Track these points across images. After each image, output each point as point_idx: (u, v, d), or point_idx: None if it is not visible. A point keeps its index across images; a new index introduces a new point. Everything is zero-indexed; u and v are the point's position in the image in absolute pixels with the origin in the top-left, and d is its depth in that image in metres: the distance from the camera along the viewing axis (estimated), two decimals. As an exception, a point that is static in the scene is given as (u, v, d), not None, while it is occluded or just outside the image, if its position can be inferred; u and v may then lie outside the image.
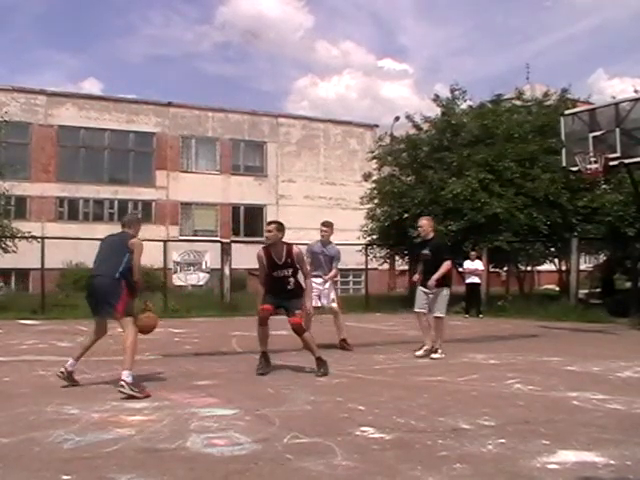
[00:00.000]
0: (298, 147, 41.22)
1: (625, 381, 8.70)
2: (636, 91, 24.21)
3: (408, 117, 27.20)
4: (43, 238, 22.21)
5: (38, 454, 5.08)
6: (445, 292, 11.31)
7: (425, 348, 11.30)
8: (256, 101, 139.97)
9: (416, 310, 11.46)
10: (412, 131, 27.21)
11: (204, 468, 4.74)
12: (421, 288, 11.40)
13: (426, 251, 11.46)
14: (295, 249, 9.40)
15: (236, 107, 40.94)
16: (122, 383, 7.35)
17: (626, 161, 16.03)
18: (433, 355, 11.05)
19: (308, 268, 9.36)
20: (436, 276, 10.99)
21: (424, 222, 11.76)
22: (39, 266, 21.32)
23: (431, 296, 11.27)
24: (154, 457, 5.00)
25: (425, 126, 26.88)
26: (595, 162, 16.04)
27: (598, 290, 23.97)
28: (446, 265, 11.19)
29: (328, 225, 12.47)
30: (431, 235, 11.62)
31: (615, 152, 15.76)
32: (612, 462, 4.89)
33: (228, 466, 4.78)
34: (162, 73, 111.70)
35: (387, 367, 9.99)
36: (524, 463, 4.88)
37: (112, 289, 7.82)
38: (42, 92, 36.09)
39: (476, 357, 11.13)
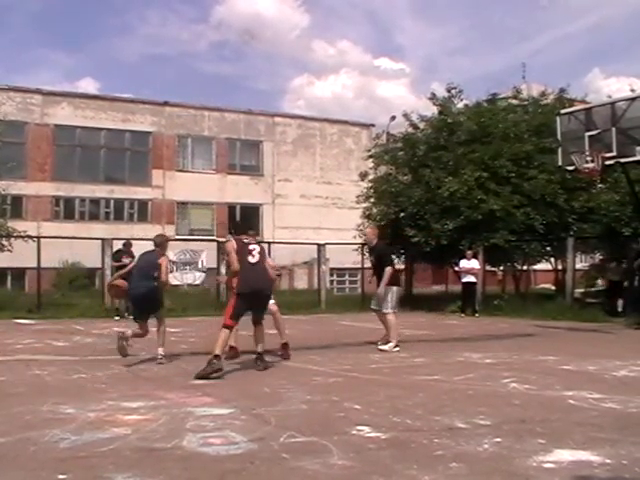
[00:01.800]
0: (294, 146, 41.24)
1: (621, 380, 8.72)
2: (632, 90, 24.25)
3: (405, 115, 27.15)
4: (39, 237, 22.23)
5: (34, 453, 5.07)
6: (392, 290, 12.35)
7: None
8: (252, 100, 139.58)
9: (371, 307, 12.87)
10: (409, 130, 27.18)
11: (200, 467, 4.74)
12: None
13: (372, 258, 12.91)
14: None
15: (232, 106, 40.97)
16: (160, 356, 10.14)
17: (622, 160, 16.05)
18: (381, 346, 12.01)
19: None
20: (382, 286, 12.18)
21: (368, 231, 13.30)
22: (35, 265, 21.36)
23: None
24: (150, 456, 5.00)
25: (422, 125, 26.87)
26: (591, 161, 16.05)
27: (602, 289, 23.76)
28: (388, 273, 12.20)
29: None
30: (374, 242, 12.81)
31: (611, 151, 15.77)
32: (608, 461, 4.90)
33: (224, 465, 4.78)
34: (158, 72, 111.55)
35: (383, 366, 10.00)
36: (520, 462, 4.89)
37: (154, 295, 10.48)
38: (38, 91, 36.07)
39: (472, 356, 11.14)
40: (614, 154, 15.79)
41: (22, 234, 22.72)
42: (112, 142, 37.43)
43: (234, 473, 4.63)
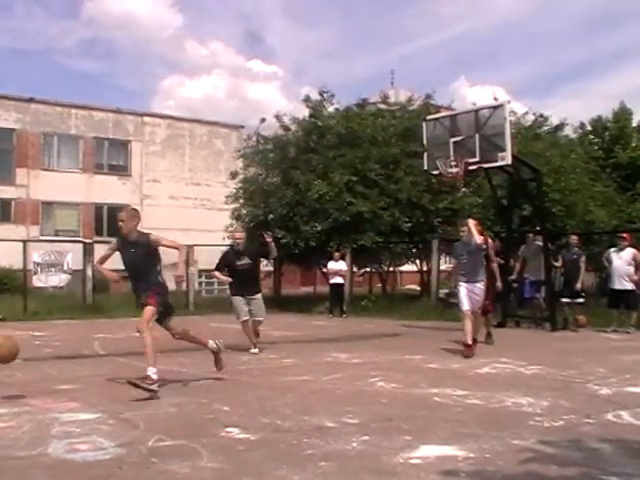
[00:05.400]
0: (163, 147, 40.73)
1: (483, 377, 9.01)
2: (496, 99, 25.17)
3: (277, 117, 27.18)
4: None
5: None
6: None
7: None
8: (122, 99, 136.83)
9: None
10: (280, 132, 27.24)
11: (66, 475, 4.64)
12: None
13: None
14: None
15: (100, 105, 40.13)
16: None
17: (485, 165, 16.52)
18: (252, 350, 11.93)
19: None
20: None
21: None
22: None
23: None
24: (13, 465, 4.86)
25: (293, 127, 26.97)
26: (455, 166, 16.45)
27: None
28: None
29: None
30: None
31: (474, 157, 16.21)
32: (471, 455, 5.07)
33: (91, 471, 4.70)
34: (24, 67, 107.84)
35: (252, 367, 10.03)
36: (387, 459, 5.00)
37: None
38: None
39: (340, 356, 11.27)
40: (477, 159, 16.23)
41: None
42: (-27, 139, 36.10)
43: (102, 479, 4.56)
